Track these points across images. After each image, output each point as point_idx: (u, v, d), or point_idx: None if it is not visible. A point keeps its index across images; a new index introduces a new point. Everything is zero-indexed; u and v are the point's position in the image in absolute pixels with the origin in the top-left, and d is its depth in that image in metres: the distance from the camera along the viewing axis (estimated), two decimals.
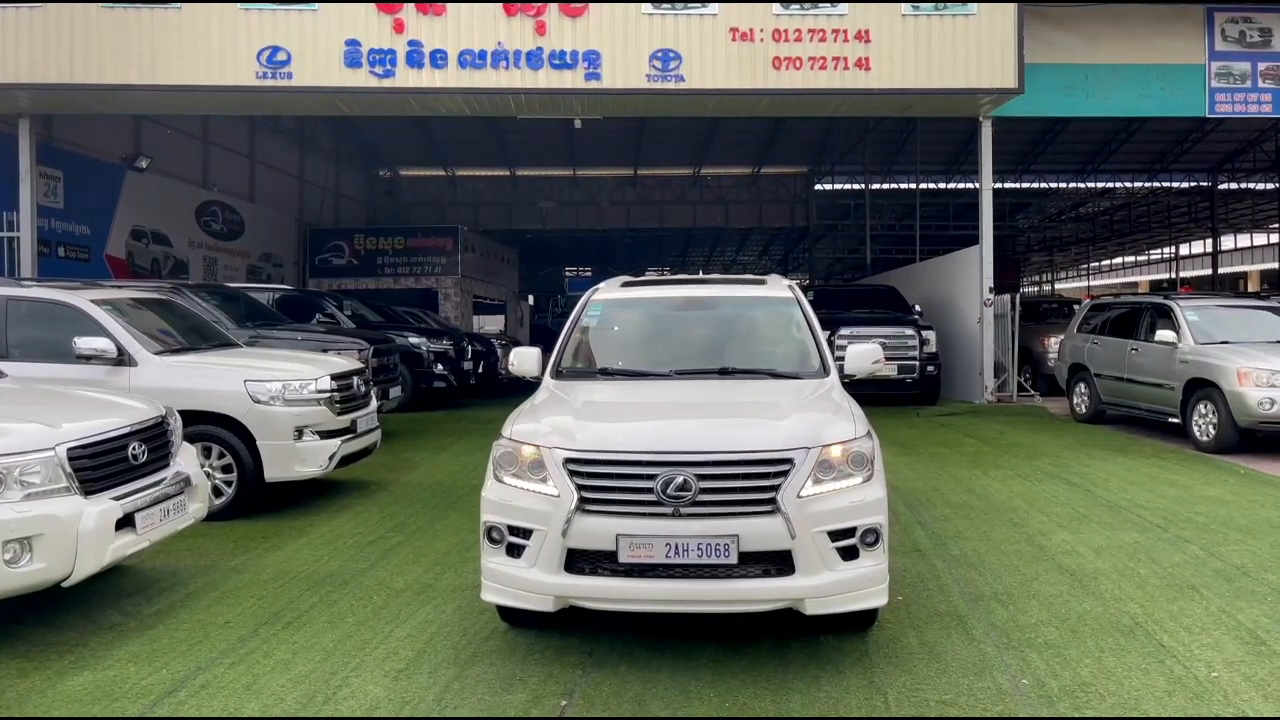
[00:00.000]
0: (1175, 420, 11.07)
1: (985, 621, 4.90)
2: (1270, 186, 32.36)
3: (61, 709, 3.97)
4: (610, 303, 6.05)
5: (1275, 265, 41.76)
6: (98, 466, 4.82)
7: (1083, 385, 13.27)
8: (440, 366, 14.88)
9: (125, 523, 4.87)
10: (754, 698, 3.98)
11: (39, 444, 4.60)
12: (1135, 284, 58.38)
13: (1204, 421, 10.45)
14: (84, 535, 4.59)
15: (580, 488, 4.11)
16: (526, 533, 4.18)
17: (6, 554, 4.34)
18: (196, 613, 5.15)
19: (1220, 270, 38.27)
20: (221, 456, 7.24)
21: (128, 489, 4.97)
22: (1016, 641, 4.62)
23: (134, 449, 5.10)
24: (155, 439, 5.34)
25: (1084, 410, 13.21)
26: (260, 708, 3.96)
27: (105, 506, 4.74)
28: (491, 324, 27.99)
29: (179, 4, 13.02)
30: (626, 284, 6.36)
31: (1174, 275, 48.16)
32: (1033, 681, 4.14)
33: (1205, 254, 40.43)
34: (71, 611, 5.13)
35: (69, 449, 4.67)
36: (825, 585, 4.07)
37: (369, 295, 20.35)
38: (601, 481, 4.12)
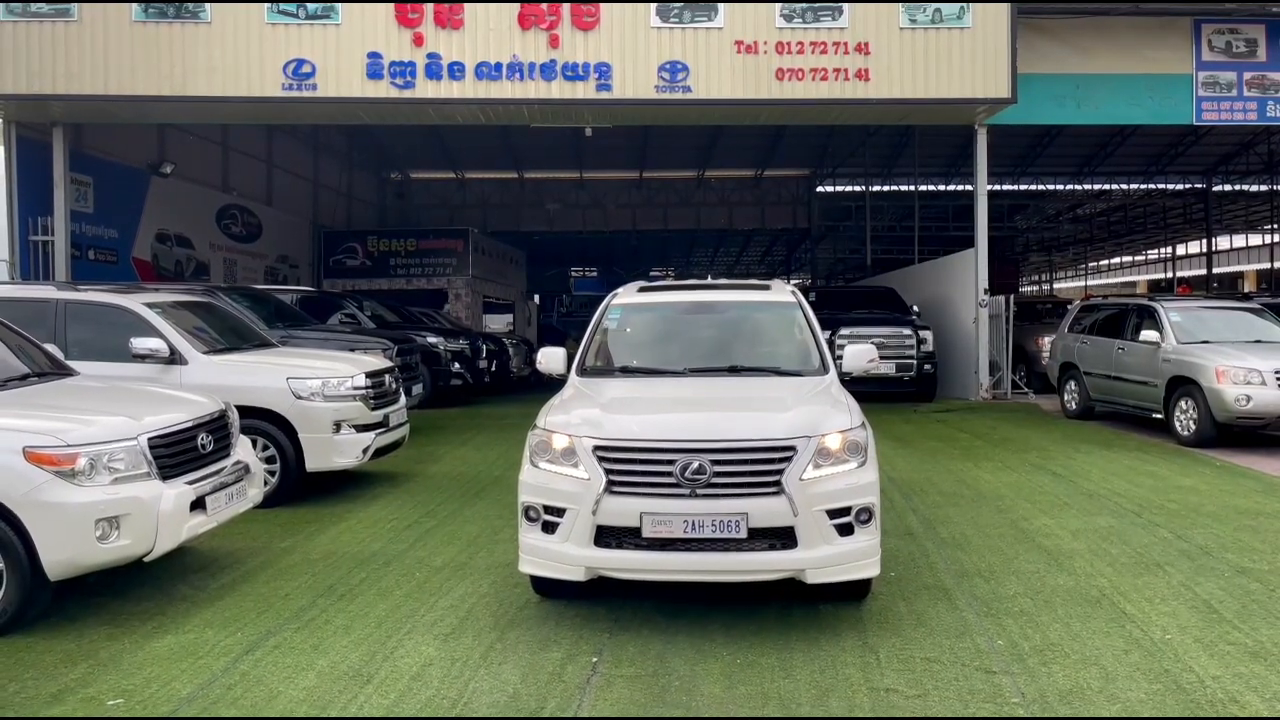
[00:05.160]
0: (1158, 416, 11.59)
1: (968, 594, 5.46)
2: (1263, 189, 32.95)
3: (152, 666, 4.52)
4: (628, 306, 6.61)
5: (1269, 265, 42.28)
6: (173, 454, 5.38)
7: (1073, 383, 13.80)
8: (457, 365, 15.41)
9: (197, 505, 5.43)
10: (761, 655, 4.55)
11: (124, 434, 5.15)
12: (1134, 284, 58.91)
13: (1185, 417, 10.99)
14: (164, 515, 5.14)
15: (608, 472, 4.67)
16: (560, 511, 4.74)
17: (97, 531, 4.90)
18: (258, 586, 5.72)
19: (1215, 270, 38.77)
20: (265, 449, 7.79)
21: (198, 475, 5.52)
22: (995, 610, 5.18)
23: (202, 439, 5.67)
24: (218, 430, 5.91)
25: (1074, 407, 13.74)
26: (329, 664, 4.52)
27: (181, 490, 5.30)
28: (495, 323, 28.36)
29: (208, 19, 13.59)
30: (643, 289, 6.92)
31: (1171, 275, 48.70)
32: (1007, 643, 4.70)
33: (1201, 254, 40.93)
34: (146, 586, 5.70)
35: (149, 438, 5.23)
36: (824, 557, 4.63)
37: (382, 296, 20.86)
38: (627, 466, 4.69)
